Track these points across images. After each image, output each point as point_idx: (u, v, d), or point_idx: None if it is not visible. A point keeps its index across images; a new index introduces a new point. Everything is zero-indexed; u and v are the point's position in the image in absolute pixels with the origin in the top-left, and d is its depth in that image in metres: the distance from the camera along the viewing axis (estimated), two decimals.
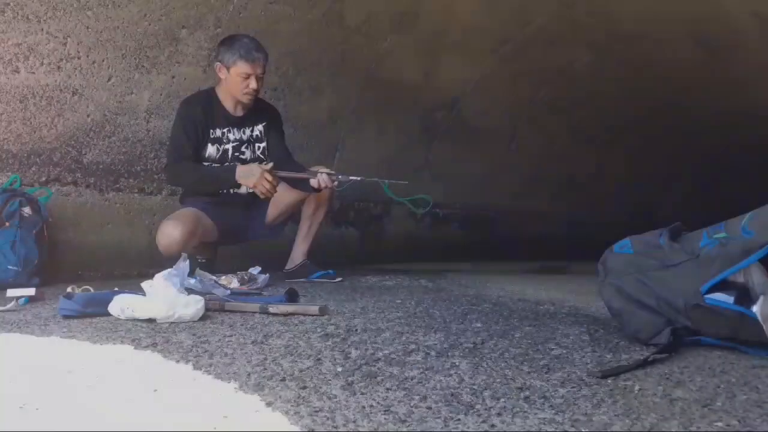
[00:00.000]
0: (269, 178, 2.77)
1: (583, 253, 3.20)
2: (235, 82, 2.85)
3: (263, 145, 3.04)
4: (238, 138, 2.97)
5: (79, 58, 2.96)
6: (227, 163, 2.94)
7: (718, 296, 1.35)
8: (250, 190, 2.85)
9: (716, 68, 4.76)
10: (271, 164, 2.85)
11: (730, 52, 4.51)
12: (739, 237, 1.37)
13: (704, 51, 4.58)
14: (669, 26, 4.38)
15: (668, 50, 4.69)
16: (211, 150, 2.90)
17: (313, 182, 2.85)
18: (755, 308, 1.31)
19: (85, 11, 2.92)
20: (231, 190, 2.94)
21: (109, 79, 3.08)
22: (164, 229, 2.71)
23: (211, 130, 2.90)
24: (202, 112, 2.88)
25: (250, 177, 2.78)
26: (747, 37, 4.19)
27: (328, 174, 2.85)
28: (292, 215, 3.17)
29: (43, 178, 2.93)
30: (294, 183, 2.95)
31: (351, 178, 2.87)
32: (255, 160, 3.00)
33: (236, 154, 2.97)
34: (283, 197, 2.97)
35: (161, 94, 3.30)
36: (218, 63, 2.88)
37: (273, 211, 3.03)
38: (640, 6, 4.21)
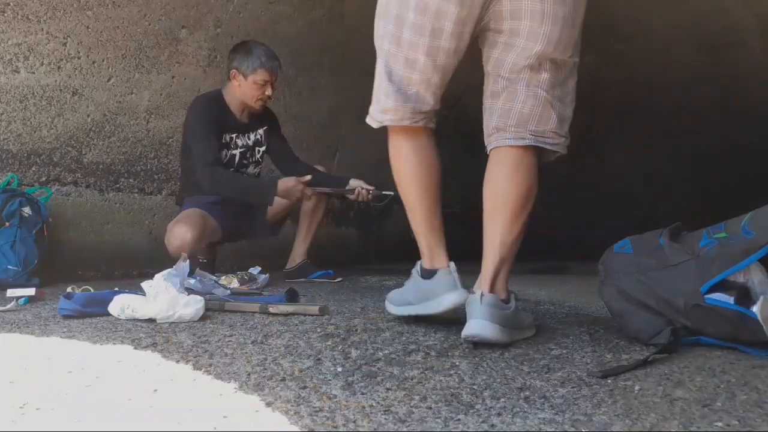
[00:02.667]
0: (309, 192, 2.86)
1: (583, 253, 3.20)
2: (251, 89, 2.86)
3: (263, 149, 3.07)
4: (244, 144, 2.98)
5: (79, 58, 2.97)
6: (232, 169, 2.94)
7: (719, 296, 1.35)
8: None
9: (716, 67, 4.76)
10: (308, 177, 2.88)
11: (730, 52, 4.51)
12: (739, 237, 1.37)
13: (704, 50, 4.58)
14: (669, 26, 4.38)
15: (668, 50, 4.69)
16: None
17: (351, 196, 2.96)
18: (755, 308, 1.30)
19: (85, 11, 2.93)
20: None
21: (109, 79, 3.09)
22: (176, 232, 2.70)
23: (222, 135, 2.91)
24: (217, 115, 2.88)
25: (293, 195, 2.84)
26: (747, 36, 4.19)
27: (366, 189, 2.93)
28: (292, 213, 3.18)
29: (43, 178, 2.93)
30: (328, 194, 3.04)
31: (385, 192, 2.92)
32: (256, 163, 3.04)
33: (243, 160, 2.98)
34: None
35: (161, 94, 3.30)
36: (233, 70, 2.87)
37: (272, 209, 3.04)
38: (641, 6, 4.21)
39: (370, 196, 2.92)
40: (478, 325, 1.38)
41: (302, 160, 3.15)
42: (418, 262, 1.65)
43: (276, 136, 3.12)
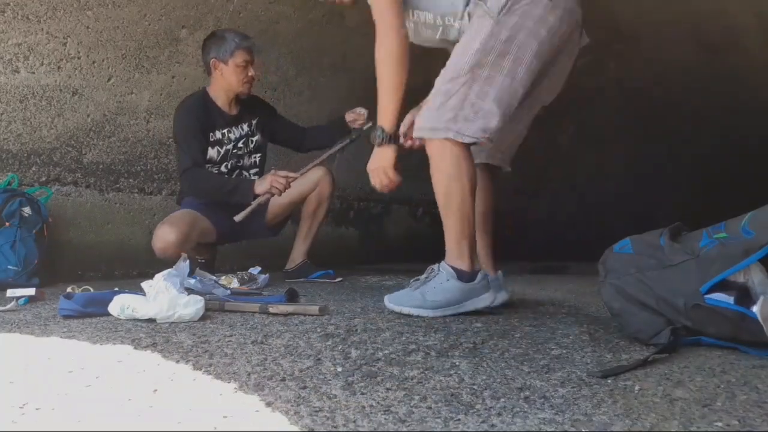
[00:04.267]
0: (281, 174, 2.81)
1: (583, 253, 3.20)
2: (234, 74, 2.87)
3: (256, 138, 3.06)
4: (237, 136, 2.99)
5: (79, 58, 2.97)
6: (227, 163, 2.95)
7: (718, 296, 1.35)
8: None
9: (716, 67, 4.76)
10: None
11: (730, 52, 4.50)
12: (739, 237, 1.37)
13: (704, 50, 4.58)
14: (669, 26, 4.38)
15: (668, 50, 4.69)
16: (211, 153, 2.91)
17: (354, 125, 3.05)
18: (755, 308, 1.30)
19: (85, 11, 2.93)
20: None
21: (109, 79, 3.09)
22: (159, 233, 2.70)
23: (211, 134, 2.90)
24: (203, 115, 2.88)
25: (263, 183, 2.81)
26: (747, 36, 4.19)
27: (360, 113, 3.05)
28: (292, 215, 3.17)
29: (43, 178, 2.93)
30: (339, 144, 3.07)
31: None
32: (250, 153, 3.04)
33: (234, 151, 2.98)
34: (284, 197, 2.97)
35: (161, 94, 3.30)
36: (213, 60, 2.88)
37: (273, 211, 3.03)
38: (641, 6, 4.20)
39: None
40: (506, 295, 1.98)
41: (307, 127, 3.25)
42: (447, 266, 1.89)
43: (276, 122, 3.14)
